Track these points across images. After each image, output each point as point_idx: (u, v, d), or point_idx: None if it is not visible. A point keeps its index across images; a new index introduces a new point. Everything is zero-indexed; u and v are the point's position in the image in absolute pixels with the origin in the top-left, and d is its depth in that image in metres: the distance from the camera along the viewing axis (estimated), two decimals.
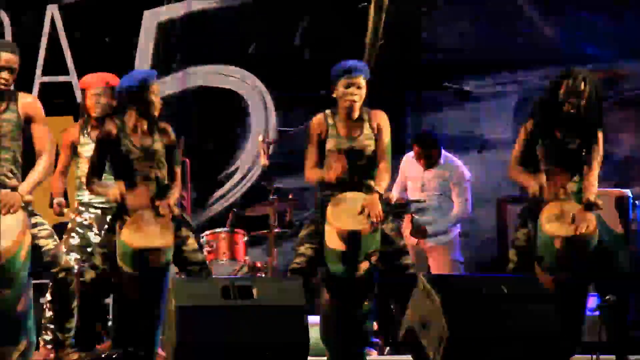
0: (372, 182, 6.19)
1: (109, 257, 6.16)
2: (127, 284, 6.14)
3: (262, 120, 9.92)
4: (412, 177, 8.26)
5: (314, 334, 6.89)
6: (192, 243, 6.29)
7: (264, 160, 7.82)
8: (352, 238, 5.99)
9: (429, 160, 8.18)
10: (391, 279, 6.24)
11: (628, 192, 8.23)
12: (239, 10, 9.96)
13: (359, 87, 6.26)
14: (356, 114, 6.31)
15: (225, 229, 8.59)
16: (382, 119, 6.34)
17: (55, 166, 6.73)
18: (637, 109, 9.75)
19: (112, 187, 6.17)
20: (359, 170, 6.26)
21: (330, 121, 6.33)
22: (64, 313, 6.08)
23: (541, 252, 6.10)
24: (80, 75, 9.84)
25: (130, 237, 6.03)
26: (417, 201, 8.16)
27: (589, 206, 6.06)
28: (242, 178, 9.92)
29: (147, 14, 9.94)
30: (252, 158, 9.87)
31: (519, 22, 9.84)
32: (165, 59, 9.84)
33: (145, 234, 6.03)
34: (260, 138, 7.94)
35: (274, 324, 5.50)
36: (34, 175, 5.93)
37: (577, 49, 9.78)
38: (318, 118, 6.37)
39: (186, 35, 9.97)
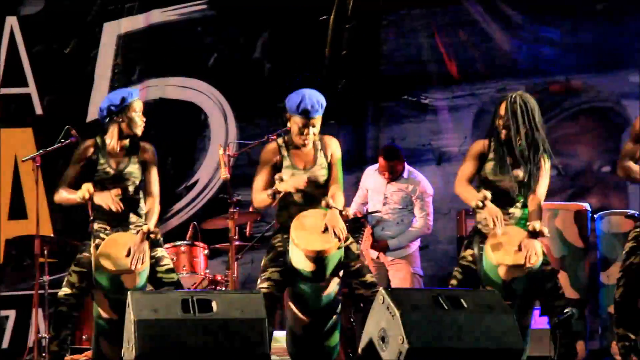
0: (329, 198, 6.15)
1: (86, 276, 6.17)
2: (103, 303, 6.16)
3: (222, 132, 9.91)
4: (374, 190, 8.28)
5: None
6: (166, 264, 6.33)
7: (224, 173, 7.81)
8: (319, 258, 6.00)
9: (393, 173, 8.21)
10: (356, 296, 6.24)
11: (586, 205, 8.30)
12: (200, 22, 9.96)
13: (314, 126, 6.27)
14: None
15: (185, 242, 8.59)
16: (334, 147, 6.37)
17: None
18: (593, 120, 9.83)
19: (81, 190, 6.17)
20: (314, 199, 6.25)
21: (284, 152, 6.34)
22: None
23: (486, 278, 6.13)
24: (39, 87, 9.81)
25: (105, 261, 6.04)
26: (375, 212, 8.19)
27: (535, 234, 6.06)
28: (202, 191, 9.91)
29: (107, 26, 9.91)
30: (211, 170, 9.87)
31: (477, 35, 9.90)
32: (125, 71, 9.81)
33: (119, 258, 6.05)
34: (221, 150, 7.93)
35: (234, 336, 5.50)
36: None
37: (533, 62, 9.86)
38: (272, 147, 6.37)
39: (146, 47, 9.94)
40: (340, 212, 6.12)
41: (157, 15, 9.96)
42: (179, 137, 9.78)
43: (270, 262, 6.21)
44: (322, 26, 9.88)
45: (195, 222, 8.87)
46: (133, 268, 6.04)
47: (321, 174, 6.31)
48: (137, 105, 6.40)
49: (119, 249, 6.09)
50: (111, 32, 9.92)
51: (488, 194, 6.12)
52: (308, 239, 6.01)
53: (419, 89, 9.95)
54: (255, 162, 9.50)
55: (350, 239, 6.24)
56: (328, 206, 6.10)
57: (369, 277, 6.21)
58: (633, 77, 9.61)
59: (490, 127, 6.36)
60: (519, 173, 6.25)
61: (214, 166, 9.80)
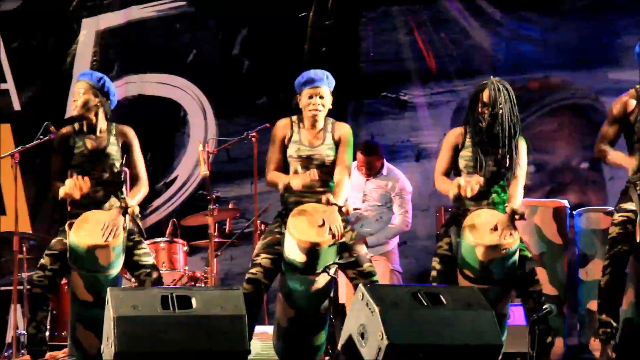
0: (329, 195, 6.14)
1: (59, 259, 6.15)
2: (78, 285, 6.14)
3: (202, 129, 9.91)
4: (353, 187, 8.27)
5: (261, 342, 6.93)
6: (143, 247, 6.30)
7: (203, 170, 7.80)
8: (312, 250, 6.00)
9: (372, 170, 8.22)
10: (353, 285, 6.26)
11: (565, 202, 8.32)
12: (178, 19, 9.95)
13: (321, 97, 6.30)
14: (320, 124, 6.35)
15: (165, 238, 8.58)
16: (345, 131, 6.37)
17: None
18: (571, 117, 9.87)
19: (65, 185, 6.15)
20: (319, 179, 6.25)
21: (295, 127, 6.35)
22: None
23: (463, 261, 6.15)
24: (18, 83, 9.78)
25: (78, 237, 6.04)
26: (354, 209, 8.20)
27: (513, 216, 6.09)
28: (181, 187, 9.90)
29: (85, 22, 9.89)
30: (191, 167, 9.86)
31: (456, 32, 9.92)
32: (103, 67, 9.78)
33: (93, 232, 6.03)
34: (200, 147, 7.93)
35: (214, 333, 5.49)
36: None
37: (513, 59, 9.89)
38: (284, 122, 6.40)
39: (125, 43, 9.93)
40: (340, 208, 6.13)
41: (136, 12, 9.95)
42: (157, 133, 9.76)
43: (264, 248, 6.20)
44: (301, 23, 9.89)
45: (174, 219, 8.86)
46: (104, 239, 6.03)
47: (327, 154, 6.30)
48: (76, 88, 6.35)
49: (93, 224, 6.08)
50: (90, 28, 9.91)
51: (462, 182, 6.14)
52: (304, 229, 6.02)
53: (398, 85, 9.97)
54: (234, 160, 9.60)
55: (349, 234, 6.23)
56: (328, 202, 6.09)
57: (366, 267, 6.23)
58: (612, 74, 9.65)
59: (469, 115, 6.36)
60: (497, 157, 6.27)
61: (193, 163, 9.79)
